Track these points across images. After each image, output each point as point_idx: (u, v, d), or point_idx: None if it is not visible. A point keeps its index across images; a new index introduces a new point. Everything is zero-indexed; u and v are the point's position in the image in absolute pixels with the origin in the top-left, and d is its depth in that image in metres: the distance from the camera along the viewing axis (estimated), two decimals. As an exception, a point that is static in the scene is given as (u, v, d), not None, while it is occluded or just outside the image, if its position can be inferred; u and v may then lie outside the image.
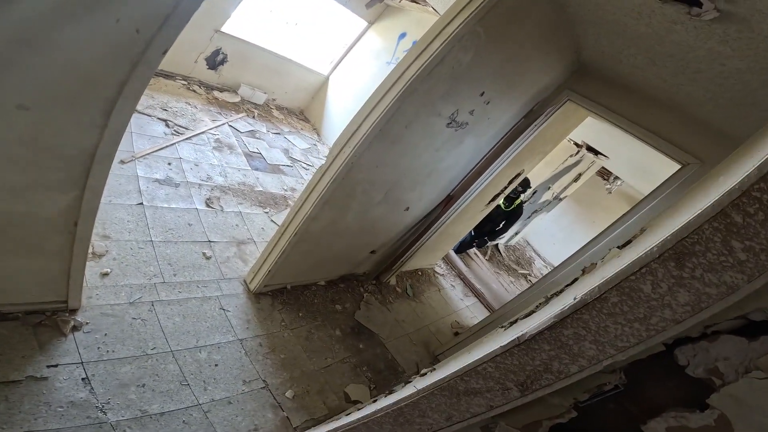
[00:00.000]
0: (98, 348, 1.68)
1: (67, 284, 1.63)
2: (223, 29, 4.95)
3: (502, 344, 0.76)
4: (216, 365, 1.90)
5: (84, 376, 1.57)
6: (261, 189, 3.55)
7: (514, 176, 3.44)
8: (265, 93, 5.68)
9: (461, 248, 5.11)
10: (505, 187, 3.53)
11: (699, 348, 0.66)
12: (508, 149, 2.72)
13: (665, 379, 0.70)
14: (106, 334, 1.73)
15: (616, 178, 6.72)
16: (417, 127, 1.99)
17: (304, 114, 6.47)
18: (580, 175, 6.88)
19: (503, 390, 0.74)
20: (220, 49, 5.16)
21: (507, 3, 1.67)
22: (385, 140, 1.91)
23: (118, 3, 0.96)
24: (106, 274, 1.97)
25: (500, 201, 4.42)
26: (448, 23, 1.66)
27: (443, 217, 3.08)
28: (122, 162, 2.74)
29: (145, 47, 1.06)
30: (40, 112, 1.08)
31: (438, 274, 4.46)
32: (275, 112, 5.79)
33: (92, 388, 1.56)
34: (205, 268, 2.37)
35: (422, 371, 1.60)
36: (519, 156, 2.84)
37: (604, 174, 7.33)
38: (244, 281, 2.44)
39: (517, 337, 0.73)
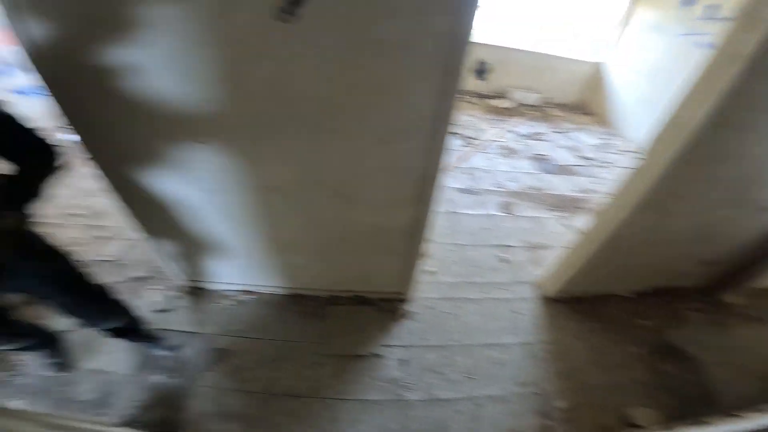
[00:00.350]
0: (418, 335, 2.10)
1: (405, 279, 2.10)
2: (474, 40, 5.27)
3: None
4: (501, 364, 2.02)
5: (403, 358, 1.99)
6: (552, 192, 3.52)
7: None
8: (536, 93, 5.61)
9: None
10: None
11: None
12: None
13: None
14: (424, 324, 2.15)
15: None
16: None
17: (585, 108, 5.93)
18: None
19: None
20: (481, 59, 5.48)
21: None
22: (726, 129, 1.51)
23: (417, 43, 1.18)
24: (431, 272, 2.49)
25: None
26: None
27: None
28: (435, 177, 3.40)
29: (446, 74, 1.25)
30: (394, 144, 1.44)
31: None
32: (552, 111, 5.60)
33: (404, 369, 1.95)
34: (502, 271, 2.57)
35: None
36: None
37: None
38: (538, 286, 2.49)
39: None
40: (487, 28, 5.33)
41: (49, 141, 1.10)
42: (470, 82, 5.69)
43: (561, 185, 3.65)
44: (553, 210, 3.26)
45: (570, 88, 5.84)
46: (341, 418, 1.74)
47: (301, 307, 2.18)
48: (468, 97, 5.60)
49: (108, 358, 1.22)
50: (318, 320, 2.13)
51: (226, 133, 1.40)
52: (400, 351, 2.03)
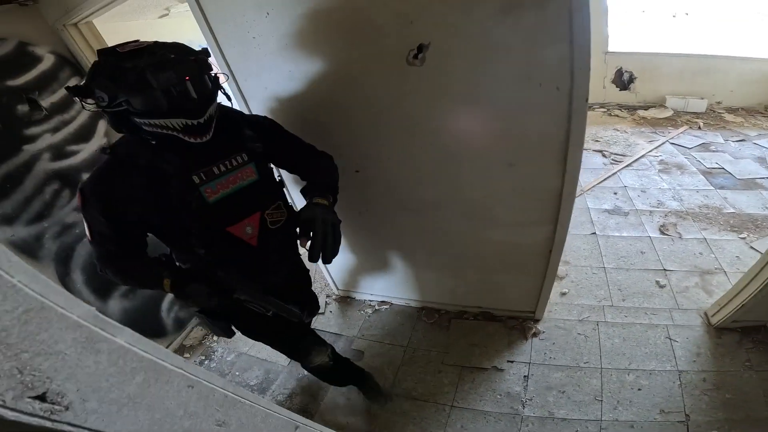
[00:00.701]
0: (545, 353, 2.03)
1: (537, 298, 2.08)
2: (610, 49, 4.93)
3: None
4: (639, 389, 1.81)
5: (526, 374, 1.94)
6: (732, 210, 2.95)
7: None
8: (702, 98, 4.79)
9: None
10: None
11: None
12: None
13: None
14: (554, 343, 2.07)
15: None
16: None
17: (775, 108, 4.79)
18: None
19: None
20: (621, 68, 5.00)
21: None
22: None
23: (535, 72, 1.25)
24: (564, 294, 2.36)
25: None
26: None
27: None
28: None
29: (569, 98, 1.28)
30: (521, 167, 1.52)
31: None
32: (727, 116, 4.68)
33: (526, 385, 1.90)
34: (657, 296, 2.28)
35: None
36: None
37: None
38: (705, 314, 2.13)
39: None
40: (627, 35, 4.96)
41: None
42: (613, 93, 5.26)
43: (742, 202, 3.01)
44: (731, 231, 2.71)
45: (749, 89, 4.81)
46: (450, 423, 1.82)
47: (429, 318, 2.35)
48: (611, 108, 5.15)
49: (272, 350, 1.55)
50: (443, 331, 2.26)
51: (375, 161, 1.68)
52: (523, 367, 2.02)
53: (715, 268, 2.43)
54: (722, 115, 4.75)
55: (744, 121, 4.58)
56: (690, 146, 3.94)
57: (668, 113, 4.82)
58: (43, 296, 0.33)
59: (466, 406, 1.88)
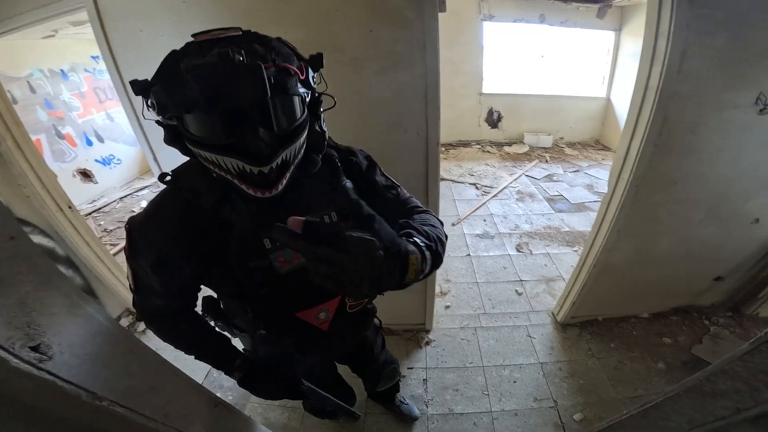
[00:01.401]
0: (437, 358, 2.38)
1: (424, 312, 2.44)
2: (483, 91, 5.73)
3: (750, 341, 0.69)
4: (514, 382, 2.22)
5: (425, 377, 2.26)
6: (567, 229, 3.76)
7: None
8: (549, 135, 5.95)
9: None
10: None
11: None
12: None
13: None
14: (443, 349, 2.43)
15: None
16: (711, 129, 1.73)
17: (601, 142, 6.19)
18: None
19: (752, 391, 0.69)
20: (492, 108, 5.95)
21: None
22: (669, 153, 1.78)
23: (403, 120, 1.66)
24: (447, 307, 2.78)
25: None
26: (658, 19, 1.52)
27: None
28: (452, 225, 3.75)
29: (426, 142, 1.69)
30: None
31: None
32: (567, 150, 5.89)
33: (426, 387, 2.21)
34: (517, 302, 2.81)
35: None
36: None
37: None
38: (552, 313, 2.69)
39: (764, 332, 0.69)
40: (496, 78, 5.88)
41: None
42: (486, 131, 6.16)
43: (575, 222, 3.88)
44: (567, 245, 3.47)
45: (583, 125, 6.13)
46: (366, 429, 2.01)
47: None
48: (484, 145, 6.05)
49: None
50: None
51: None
52: (422, 372, 2.31)
53: (557, 276, 3.08)
54: (563, 149, 5.96)
55: (579, 153, 5.81)
56: (539, 177, 4.89)
57: (525, 149, 5.86)
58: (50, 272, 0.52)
59: (379, 411, 2.08)
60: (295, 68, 0.70)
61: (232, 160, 0.68)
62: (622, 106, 5.65)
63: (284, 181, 0.75)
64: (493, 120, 6.10)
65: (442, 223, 0.91)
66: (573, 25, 5.30)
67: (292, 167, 0.76)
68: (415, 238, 0.71)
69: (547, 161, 5.47)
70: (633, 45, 5.21)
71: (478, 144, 6.12)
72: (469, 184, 4.76)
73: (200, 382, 2.23)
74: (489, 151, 5.90)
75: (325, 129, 0.84)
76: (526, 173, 5.01)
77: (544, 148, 5.90)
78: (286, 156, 0.72)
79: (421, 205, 0.97)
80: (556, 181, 4.83)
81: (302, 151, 0.78)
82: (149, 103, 0.69)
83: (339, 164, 0.89)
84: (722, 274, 2.51)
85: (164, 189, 0.81)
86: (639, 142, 1.75)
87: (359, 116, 1.65)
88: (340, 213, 0.87)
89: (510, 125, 6.07)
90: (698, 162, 1.87)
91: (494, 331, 2.58)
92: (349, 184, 0.89)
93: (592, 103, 5.97)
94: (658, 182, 1.89)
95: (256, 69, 0.63)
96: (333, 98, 0.87)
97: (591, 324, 2.59)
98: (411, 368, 2.34)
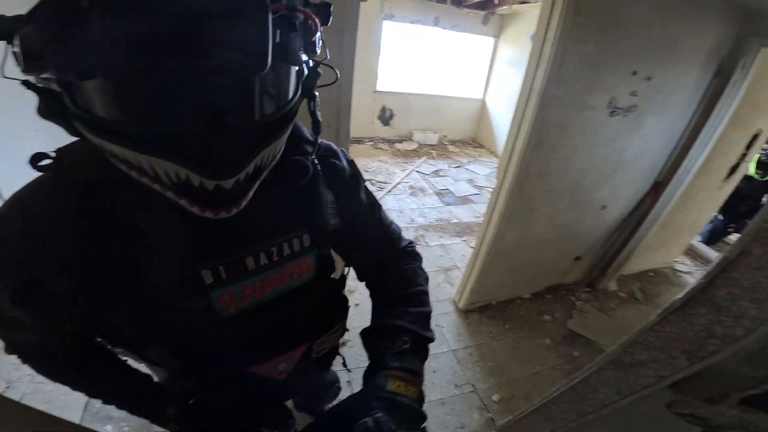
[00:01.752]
0: (356, 359, 2.26)
1: None
2: (378, 88, 5.89)
3: (658, 312, 0.81)
4: (434, 371, 2.32)
5: (348, 380, 2.15)
6: (456, 221, 4.03)
7: (751, 138, 2.78)
8: (435, 133, 6.37)
9: (713, 237, 4.22)
10: (744, 154, 2.88)
11: None
12: (715, 113, 2.32)
13: None
14: (360, 348, 2.39)
15: None
16: (574, 128, 2.03)
17: (476, 140, 6.85)
18: None
19: (669, 359, 0.77)
20: (384, 105, 6.16)
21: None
22: (543, 149, 2.02)
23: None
24: (357, 305, 2.73)
25: (750, 170, 3.56)
26: (547, 26, 1.71)
27: (655, 206, 2.77)
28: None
29: (337, 134, 1.61)
30: None
31: (681, 272, 3.81)
32: (450, 147, 6.37)
33: (352, 389, 2.12)
34: None
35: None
36: (740, 115, 2.35)
37: None
38: (453, 301, 2.85)
39: (671, 303, 0.79)
40: (388, 76, 6.03)
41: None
42: (378, 128, 6.29)
43: (463, 214, 4.20)
44: (457, 236, 3.73)
45: (463, 125, 6.72)
46: None
47: None
48: (377, 142, 6.17)
49: None
50: None
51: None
52: (343, 375, 2.18)
53: (452, 266, 3.28)
54: (447, 146, 6.43)
55: (460, 150, 6.34)
56: (428, 173, 5.18)
57: (414, 146, 6.16)
58: None
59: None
60: (312, 16, 0.46)
61: (170, 165, 0.42)
62: (494, 108, 6.33)
63: (250, 195, 0.49)
64: (386, 117, 6.26)
65: (421, 258, 0.88)
66: (462, 30, 5.75)
67: (264, 175, 0.51)
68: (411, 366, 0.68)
69: (434, 158, 5.83)
70: (507, 52, 5.87)
71: (371, 141, 6.22)
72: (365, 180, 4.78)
73: (78, 419, 1.83)
74: (381, 148, 6.04)
75: (320, 117, 0.62)
76: (416, 169, 5.26)
77: (431, 145, 6.28)
78: (263, 159, 0.48)
79: (403, 235, 0.87)
80: (442, 176, 5.18)
81: (282, 148, 0.54)
82: (15, 52, 0.38)
83: (318, 167, 0.65)
84: (580, 254, 2.96)
85: (38, 178, 0.51)
86: (523, 140, 1.94)
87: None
88: (315, 239, 0.67)
89: (401, 123, 6.30)
90: (564, 156, 2.16)
91: (402, 326, 2.62)
92: (330, 197, 0.67)
93: (470, 104, 6.57)
94: (534, 175, 2.13)
95: (256, 5, 0.37)
96: (335, 70, 0.62)
97: (487, 308, 2.82)
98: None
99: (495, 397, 2.22)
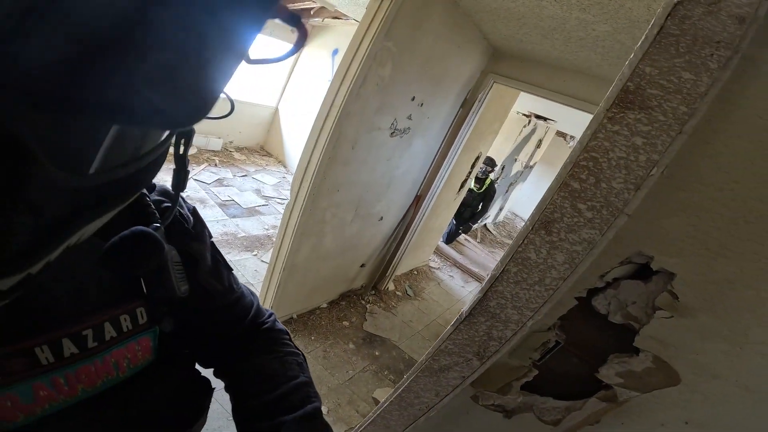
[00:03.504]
0: None
1: None
2: None
3: (452, 323, 0.92)
4: None
5: None
6: (244, 234, 3.84)
7: (474, 160, 3.78)
8: (219, 138, 5.93)
9: (450, 238, 5.46)
10: (469, 172, 3.88)
11: (609, 296, 0.74)
12: (457, 138, 3.07)
13: (596, 330, 0.78)
14: None
15: (572, 137, 7.36)
16: (362, 145, 2.30)
17: (265, 149, 6.76)
18: (540, 141, 7.53)
19: (466, 361, 0.88)
20: None
21: (405, 12, 1.89)
22: (337, 164, 2.20)
23: None
24: None
25: (471, 185, 4.77)
26: (359, 45, 1.90)
27: (417, 216, 3.40)
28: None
29: None
30: None
31: (433, 268, 4.77)
32: (236, 155, 6.04)
33: None
34: None
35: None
36: (470, 141, 3.19)
37: (563, 135, 7.99)
38: None
39: (459, 314, 0.90)
40: None
41: None
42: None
43: (249, 226, 4.05)
44: (246, 251, 3.57)
45: (252, 131, 6.47)
46: None
47: None
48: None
49: None
50: None
51: None
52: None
53: (246, 283, 3.04)
54: (232, 153, 6.05)
55: (247, 158, 6.07)
56: (209, 182, 4.74)
57: (193, 151, 5.50)
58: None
59: None
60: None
61: None
62: (287, 117, 6.40)
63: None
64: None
65: (288, 334, 0.75)
66: (269, 35, 5.56)
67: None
68: None
69: (216, 165, 5.37)
70: (307, 63, 6.06)
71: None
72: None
73: None
74: (146, 151, 5.13)
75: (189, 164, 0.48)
76: (194, 177, 4.72)
77: (214, 150, 5.78)
78: (78, 238, 0.31)
79: (261, 308, 0.72)
80: (226, 185, 4.84)
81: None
82: None
83: (154, 211, 0.50)
84: (364, 261, 3.32)
85: None
86: (319, 154, 2.02)
87: None
88: (155, 314, 0.52)
89: (173, 125, 5.52)
90: (352, 171, 2.38)
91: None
92: (176, 255, 0.52)
93: (263, 110, 6.42)
94: (326, 189, 2.27)
95: None
96: (231, 100, 0.47)
97: (289, 323, 2.83)
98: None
99: (323, 410, 2.21)
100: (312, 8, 5.23)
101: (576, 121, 5.03)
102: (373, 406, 2.42)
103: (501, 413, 0.92)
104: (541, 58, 2.59)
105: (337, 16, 5.13)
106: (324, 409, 2.27)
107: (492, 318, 0.85)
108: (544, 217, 0.75)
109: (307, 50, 6.17)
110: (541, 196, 0.78)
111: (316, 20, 5.58)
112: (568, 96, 2.57)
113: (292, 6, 5.15)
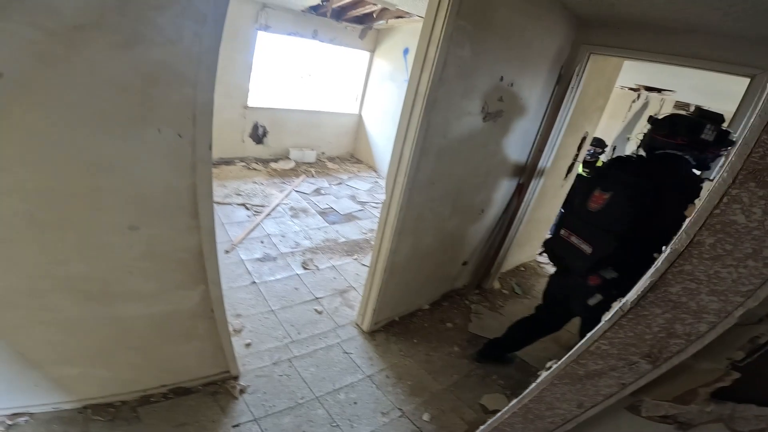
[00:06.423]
0: (263, 405, 2.16)
1: (224, 357, 2.12)
2: (249, 104, 5.69)
3: (606, 318, 0.74)
4: (355, 403, 2.27)
5: (259, 430, 2.02)
6: (344, 239, 4.07)
7: (580, 141, 3.44)
8: (312, 150, 6.36)
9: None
10: (576, 155, 3.54)
11: None
12: (558, 118, 2.83)
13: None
14: (264, 393, 2.22)
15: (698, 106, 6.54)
16: (454, 132, 2.24)
17: (355, 156, 7.05)
18: (654, 115, 6.89)
19: (629, 365, 0.72)
20: (257, 122, 5.93)
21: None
22: (429, 156, 2.17)
23: (159, 116, 1.25)
24: (248, 345, 2.50)
25: (579, 169, 4.36)
26: (432, 28, 1.86)
27: (521, 206, 3.20)
28: (226, 252, 3.39)
29: (193, 146, 1.33)
30: (146, 228, 1.44)
31: (543, 264, 4.45)
32: (329, 164, 6.41)
33: None
34: (320, 321, 2.84)
35: (547, 365, 1.71)
36: (574, 120, 2.91)
37: (683, 106, 7.05)
38: (356, 324, 2.86)
39: (620, 307, 0.72)
40: (262, 91, 5.81)
41: None
42: (251, 147, 5.94)
43: (349, 231, 4.27)
44: (347, 255, 3.75)
45: (340, 140, 6.84)
46: None
47: (105, 416, 1.87)
48: (249, 162, 5.82)
49: None
50: (135, 423, 1.88)
51: None
52: (252, 426, 2.02)
53: (347, 287, 3.28)
54: (326, 163, 6.45)
55: (339, 167, 6.41)
56: (308, 192, 5.11)
57: (291, 164, 6.00)
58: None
59: None
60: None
61: None
62: (371, 123, 6.64)
63: None
64: (258, 135, 5.97)
65: None
66: (339, 44, 5.90)
67: None
68: None
69: (313, 176, 5.77)
70: (382, 66, 6.24)
71: (242, 161, 5.85)
72: (238, 204, 4.45)
73: None
74: (255, 168, 5.72)
75: None
76: (295, 189, 5.11)
77: (309, 163, 6.22)
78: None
79: None
80: (324, 194, 5.16)
81: None
82: None
83: None
84: (466, 258, 3.23)
85: None
86: (411, 146, 2.03)
87: (74, 113, 1.16)
88: None
89: (275, 141, 6.10)
90: (446, 163, 2.34)
91: (310, 358, 2.52)
92: None
93: (347, 119, 6.76)
94: (421, 183, 2.26)
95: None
96: None
97: (391, 326, 2.89)
98: (237, 425, 2.00)
99: (425, 417, 2.26)
100: (374, 11, 5.33)
101: (701, 89, 4.29)
102: (480, 413, 2.35)
103: (672, 425, 0.73)
104: (640, 21, 2.29)
105: (400, 15, 5.17)
106: (427, 416, 2.26)
107: (675, 308, 0.67)
108: (752, 165, 0.55)
109: (378, 55, 6.34)
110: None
111: (381, 23, 5.70)
112: (689, 57, 2.19)
113: (354, 13, 5.33)
